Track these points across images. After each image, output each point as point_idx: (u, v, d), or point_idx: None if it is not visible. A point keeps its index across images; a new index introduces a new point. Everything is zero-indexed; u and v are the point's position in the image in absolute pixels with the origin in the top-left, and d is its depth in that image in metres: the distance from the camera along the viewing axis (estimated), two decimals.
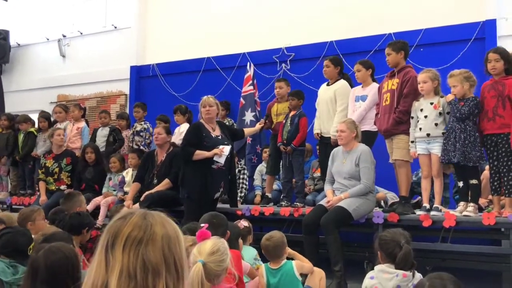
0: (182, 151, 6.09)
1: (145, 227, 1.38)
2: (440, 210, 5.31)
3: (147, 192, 6.45)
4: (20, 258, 3.41)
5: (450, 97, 5.18)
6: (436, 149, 5.25)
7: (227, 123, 8.50)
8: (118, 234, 1.38)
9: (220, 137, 6.06)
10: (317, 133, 6.55)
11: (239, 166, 7.71)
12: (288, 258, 4.08)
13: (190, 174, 5.93)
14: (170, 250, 1.39)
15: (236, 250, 3.53)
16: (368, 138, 5.87)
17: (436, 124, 5.25)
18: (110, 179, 7.59)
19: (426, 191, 5.43)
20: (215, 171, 5.91)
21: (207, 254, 2.56)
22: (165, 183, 6.52)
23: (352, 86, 6.42)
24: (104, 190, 7.49)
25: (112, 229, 1.40)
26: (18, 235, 3.57)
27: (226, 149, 5.88)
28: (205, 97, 6.16)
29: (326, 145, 6.32)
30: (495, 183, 5.09)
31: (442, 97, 5.31)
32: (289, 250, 4.10)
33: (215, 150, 5.83)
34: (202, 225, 2.81)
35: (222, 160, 5.85)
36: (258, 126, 7.00)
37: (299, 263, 3.96)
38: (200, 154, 5.85)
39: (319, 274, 4.11)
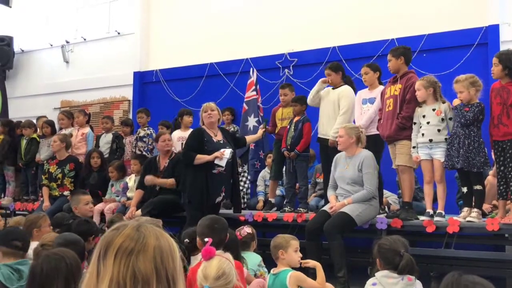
0: (184, 156, 6.12)
1: (137, 238, 1.38)
2: (444, 216, 5.30)
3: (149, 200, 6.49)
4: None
5: (456, 102, 5.18)
6: (438, 154, 5.24)
7: (232, 129, 8.55)
8: (110, 245, 1.37)
9: (222, 142, 6.09)
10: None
11: (240, 170, 7.73)
12: (306, 268, 4.02)
13: (191, 179, 5.94)
14: (163, 262, 1.38)
15: (237, 261, 3.50)
16: (378, 142, 5.84)
17: (438, 130, 5.24)
18: (112, 185, 7.61)
19: (429, 196, 5.41)
20: (216, 176, 5.92)
21: (213, 279, 2.54)
22: (170, 181, 6.57)
23: (354, 88, 6.41)
24: (107, 196, 7.50)
25: (105, 240, 1.40)
26: None
27: (227, 152, 5.91)
28: (206, 103, 6.22)
29: (326, 147, 6.28)
30: (501, 188, 5.07)
31: (444, 102, 5.31)
32: (311, 262, 3.99)
33: (216, 153, 5.87)
34: (206, 239, 2.78)
35: (223, 163, 5.87)
36: (260, 132, 6.99)
37: (298, 276, 3.78)
38: (201, 158, 5.88)
39: None
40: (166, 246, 1.42)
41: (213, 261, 2.63)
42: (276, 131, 7.18)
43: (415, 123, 5.40)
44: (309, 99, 6.55)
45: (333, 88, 6.48)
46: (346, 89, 6.31)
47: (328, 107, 6.34)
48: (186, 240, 3.73)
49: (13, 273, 3.35)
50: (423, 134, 5.31)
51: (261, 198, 7.50)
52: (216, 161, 5.87)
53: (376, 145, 5.82)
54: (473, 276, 1.79)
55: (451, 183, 6.14)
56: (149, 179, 6.56)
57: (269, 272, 4.25)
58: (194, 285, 2.83)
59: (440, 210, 5.31)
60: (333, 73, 6.38)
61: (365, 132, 5.86)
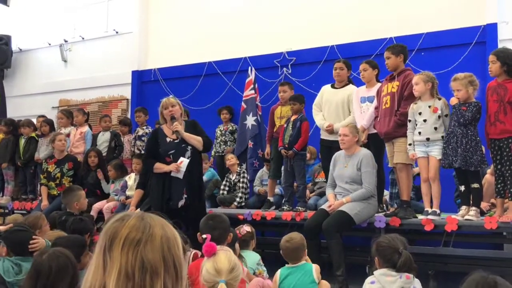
0: (143, 163, 5.85)
1: (143, 228, 1.38)
2: (439, 214, 5.30)
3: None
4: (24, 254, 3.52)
5: (454, 100, 5.17)
6: (435, 152, 5.24)
7: (230, 128, 8.54)
8: (116, 236, 1.36)
9: (176, 142, 5.56)
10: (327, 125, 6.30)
11: (239, 169, 7.74)
12: None
13: (153, 184, 5.73)
14: (170, 250, 1.39)
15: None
16: (379, 140, 5.82)
17: (435, 128, 5.24)
18: (112, 182, 7.60)
19: (427, 195, 5.39)
20: (174, 179, 5.48)
21: (227, 272, 2.51)
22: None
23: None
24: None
25: (109, 231, 1.39)
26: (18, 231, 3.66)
27: (184, 163, 5.45)
28: (165, 98, 5.75)
29: (330, 148, 6.26)
30: (499, 186, 5.08)
31: (439, 99, 5.30)
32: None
33: (171, 166, 5.43)
34: (204, 236, 2.77)
35: (180, 176, 5.44)
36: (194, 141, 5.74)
37: (317, 268, 3.87)
38: (159, 168, 5.52)
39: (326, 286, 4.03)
40: (171, 235, 1.43)
41: (220, 255, 2.61)
42: (275, 130, 7.18)
43: (410, 121, 5.38)
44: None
45: (334, 87, 6.46)
46: (354, 88, 6.30)
47: (335, 107, 6.31)
48: None
49: (13, 267, 3.41)
50: (419, 133, 5.29)
51: (260, 188, 7.57)
52: (172, 174, 5.44)
53: (378, 143, 5.82)
54: (499, 277, 1.78)
55: (449, 181, 6.16)
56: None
57: (268, 271, 4.27)
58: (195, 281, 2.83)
59: (435, 208, 5.30)
60: (345, 68, 6.39)
61: (367, 131, 5.89)
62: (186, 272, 1.46)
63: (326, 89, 6.54)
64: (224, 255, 2.62)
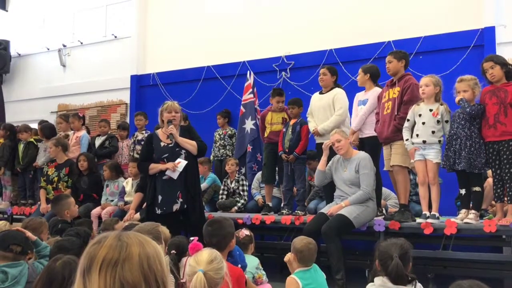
0: (138, 167, 5.90)
1: (120, 248, 1.36)
2: (438, 218, 5.30)
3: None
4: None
5: (458, 98, 5.18)
6: (431, 155, 5.23)
7: (228, 132, 8.54)
8: (94, 258, 1.35)
9: (170, 146, 5.56)
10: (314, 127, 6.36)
11: (238, 174, 7.73)
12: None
13: (146, 189, 5.72)
14: (150, 267, 1.37)
15: (238, 267, 3.48)
16: (376, 143, 5.83)
17: (433, 132, 5.23)
18: (107, 186, 7.57)
19: (425, 199, 5.38)
20: (167, 182, 5.47)
21: (205, 263, 2.54)
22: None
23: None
24: (102, 199, 7.46)
25: (87, 254, 1.38)
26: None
27: (181, 164, 5.43)
28: (170, 102, 5.77)
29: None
30: (498, 190, 5.06)
31: (442, 104, 5.31)
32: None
33: (168, 165, 5.44)
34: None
35: (174, 176, 5.42)
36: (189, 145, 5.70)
37: None
38: (154, 167, 5.52)
39: None
40: (152, 251, 1.40)
41: (202, 251, 2.64)
42: (266, 135, 7.12)
43: (408, 120, 5.36)
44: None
45: (321, 93, 6.47)
46: (340, 91, 6.30)
47: (323, 111, 6.31)
48: (173, 251, 3.70)
49: None
50: (417, 135, 5.29)
51: (258, 197, 7.52)
52: (167, 172, 5.43)
53: (373, 147, 5.83)
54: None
55: (448, 184, 6.15)
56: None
57: (267, 275, 4.26)
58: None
59: (434, 212, 5.30)
60: (329, 73, 6.37)
61: (359, 134, 5.91)
62: (171, 285, 1.43)
63: (315, 96, 6.56)
64: (206, 250, 2.64)
